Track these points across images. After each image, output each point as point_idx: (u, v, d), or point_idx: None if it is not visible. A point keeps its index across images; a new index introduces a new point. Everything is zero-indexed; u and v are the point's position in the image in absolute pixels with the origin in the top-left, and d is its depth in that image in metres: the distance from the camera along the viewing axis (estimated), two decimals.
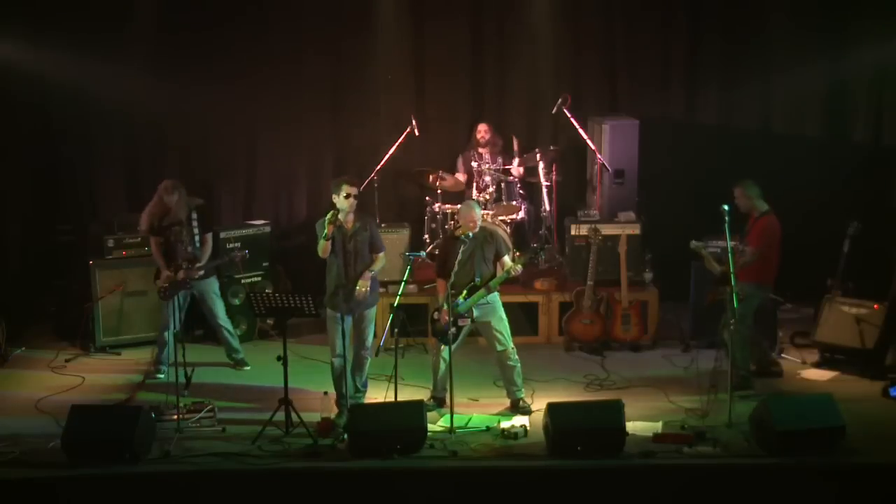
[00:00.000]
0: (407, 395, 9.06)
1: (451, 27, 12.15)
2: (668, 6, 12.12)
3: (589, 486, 7.94)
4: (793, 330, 10.68)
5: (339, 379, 8.91)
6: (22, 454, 8.12)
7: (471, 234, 8.99)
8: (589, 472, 7.95)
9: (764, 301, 9.50)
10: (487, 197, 11.40)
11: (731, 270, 8.84)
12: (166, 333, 9.80)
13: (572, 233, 11.10)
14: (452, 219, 11.18)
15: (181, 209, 9.83)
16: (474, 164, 11.65)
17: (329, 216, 8.60)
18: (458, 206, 10.04)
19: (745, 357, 9.35)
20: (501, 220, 11.22)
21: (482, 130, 11.77)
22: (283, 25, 11.88)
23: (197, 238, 9.84)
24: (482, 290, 8.92)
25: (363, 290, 8.75)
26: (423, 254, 10.16)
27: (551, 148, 11.58)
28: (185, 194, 9.89)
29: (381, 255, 8.98)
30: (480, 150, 11.76)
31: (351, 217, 8.79)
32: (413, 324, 10.33)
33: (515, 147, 11.65)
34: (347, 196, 8.68)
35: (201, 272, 9.81)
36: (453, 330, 8.77)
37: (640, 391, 9.49)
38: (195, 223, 9.86)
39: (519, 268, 8.98)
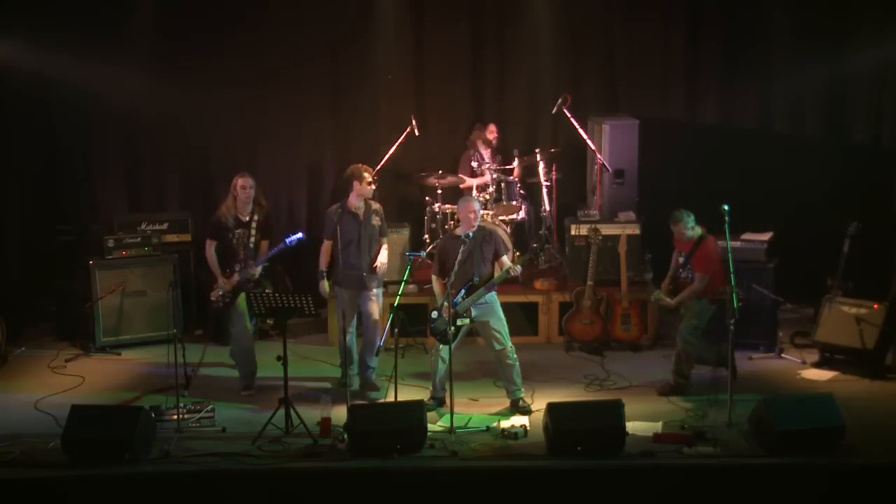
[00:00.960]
0: (407, 395, 9.06)
1: (451, 27, 12.16)
2: (668, 7, 12.13)
3: (589, 486, 7.94)
4: (793, 330, 10.67)
5: (347, 353, 9.43)
6: (22, 454, 8.12)
7: (471, 234, 8.99)
8: (589, 472, 7.95)
9: (717, 313, 9.35)
10: (487, 197, 11.40)
11: (731, 269, 8.84)
12: (244, 341, 9.54)
13: (572, 233, 11.10)
14: (452, 219, 11.18)
15: (247, 209, 9.54)
16: (474, 164, 11.65)
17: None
18: (457, 203, 10.05)
19: (689, 365, 9.38)
20: (501, 220, 11.22)
21: (494, 131, 11.78)
22: (283, 26, 11.88)
23: (252, 242, 9.54)
24: (481, 290, 8.92)
25: (385, 266, 9.50)
26: (423, 254, 10.16)
27: (552, 150, 11.59)
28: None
29: (385, 239, 9.62)
30: (482, 150, 11.76)
31: (362, 205, 9.38)
32: (413, 324, 10.32)
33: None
34: (370, 183, 9.39)
35: (259, 270, 9.49)
36: (452, 329, 8.78)
37: (640, 391, 9.49)
38: (254, 226, 9.55)
39: (518, 268, 8.97)
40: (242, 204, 9.51)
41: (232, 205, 9.54)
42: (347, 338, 9.46)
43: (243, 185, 9.49)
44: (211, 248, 9.56)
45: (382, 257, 9.46)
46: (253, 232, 9.52)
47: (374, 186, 9.47)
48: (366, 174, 9.37)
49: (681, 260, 9.51)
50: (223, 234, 9.51)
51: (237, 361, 9.61)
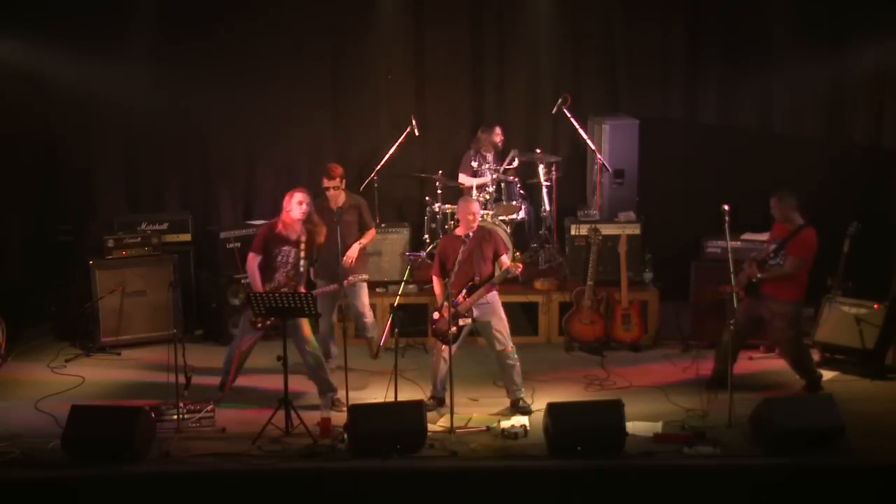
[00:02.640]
0: (407, 394, 9.07)
1: (451, 27, 12.16)
2: (668, 6, 12.13)
3: (589, 486, 7.94)
4: None
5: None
6: (22, 454, 8.12)
7: (470, 234, 8.99)
8: (589, 472, 7.95)
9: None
10: (487, 197, 11.40)
11: (731, 270, 8.84)
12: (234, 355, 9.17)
13: (572, 233, 11.10)
14: (452, 219, 11.18)
15: (297, 226, 9.07)
16: (475, 164, 11.65)
17: None
18: (458, 203, 10.05)
19: (810, 360, 9.47)
20: (501, 220, 11.22)
21: (499, 133, 11.78)
22: (283, 26, 11.88)
23: (303, 265, 9.12)
24: (481, 289, 8.92)
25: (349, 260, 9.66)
26: (422, 254, 10.17)
27: (552, 160, 11.57)
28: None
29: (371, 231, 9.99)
30: (485, 153, 11.75)
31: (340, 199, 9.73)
32: (413, 324, 10.33)
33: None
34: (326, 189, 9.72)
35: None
36: (453, 330, 8.77)
37: (640, 391, 9.49)
38: (303, 246, 9.08)
39: (519, 266, 8.95)
40: (294, 221, 9.05)
41: (284, 220, 9.06)
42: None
43: (300, 201, 9.01)
44: (254, 263, 9.06)
45: (352, 251, 9.68)
46: (303, 254, 9.08)
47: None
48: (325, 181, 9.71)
49: (773, 247, 9.32)
50: (269, 250, 9.05)
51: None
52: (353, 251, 9.65)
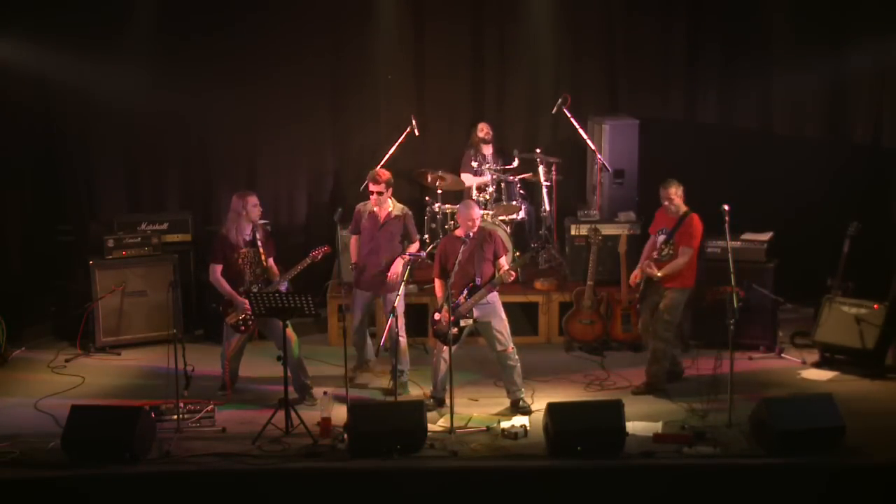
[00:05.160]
0: (407, 394, 9.07)
1: (451, 27, 12.16)
2: (669, 6, 12.13)
3: (589, 486, 7.95)
4: (793, 330, 10.67)
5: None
6: (22, 454, 8.13)
7: (471, 234, 8.99)
8: (589, 472, 7.96)
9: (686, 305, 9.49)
10: (487, 197, 11.40)
11: (732, 269, 8.84)
12: (225, 358, 9.44)
13: (572, 233, 11.10)
14: (452, 219, 11.18)
15: (250, 227, 9.26)
16: (474, 164, 11.65)
17: None
18: (458, 205, 10.04)
19: (665, 363, 9.45)
20: (501, 220, 11.22)
21: (484, 129, 11.77)
22: (283, 25, 11.88)
23: (264, 260, 9.31)
24: (482, 290, 8.92)
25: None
26: (423, 254, 10.16)
27: (552, 161, 11.56)
28: None
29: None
30: (484, 150, 11.75)
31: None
32: (413, 324, 10.32)
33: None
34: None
35: (286, 286, 9.23)
36: (454, 331, 8.77)
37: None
38: (259, 244, 9.28)
39: (512, 274, 8.91)
40: (248, 223, 9.25)
41: (238, 223, 9.23)
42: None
43: (255, 203, 9.23)
44: (218, 272, 9.21)
45: (397, 266, 9.40)
46: (261, 250, 9.27)
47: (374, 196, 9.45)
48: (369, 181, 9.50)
49: (661, 238, 9.43)
50: (229, 255, 9.22)
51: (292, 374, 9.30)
52: (398, 266, 9.35)
